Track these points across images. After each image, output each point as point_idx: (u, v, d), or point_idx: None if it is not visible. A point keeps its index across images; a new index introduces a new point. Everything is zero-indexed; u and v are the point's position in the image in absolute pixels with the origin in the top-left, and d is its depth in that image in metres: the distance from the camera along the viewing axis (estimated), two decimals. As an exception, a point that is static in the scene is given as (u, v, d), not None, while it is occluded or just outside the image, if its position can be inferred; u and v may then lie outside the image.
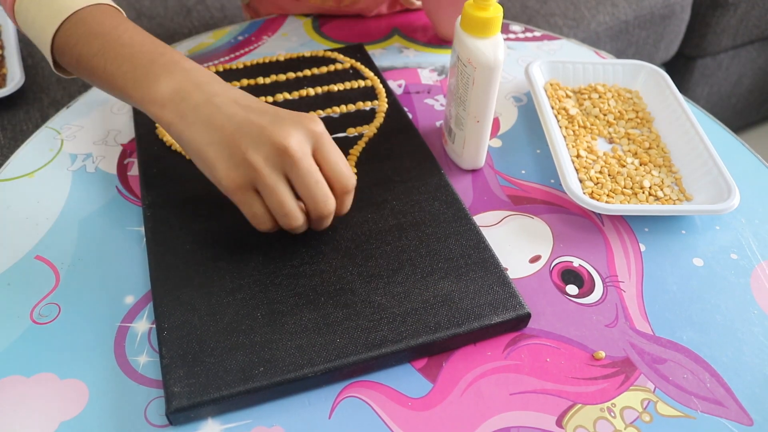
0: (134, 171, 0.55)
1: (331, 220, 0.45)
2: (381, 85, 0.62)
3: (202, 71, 0.44)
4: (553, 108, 0.60)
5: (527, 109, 0.63)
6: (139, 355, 0.42)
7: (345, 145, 0.56)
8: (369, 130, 0.57)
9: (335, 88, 0.62)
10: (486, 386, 0.41)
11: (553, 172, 0.56)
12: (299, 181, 0.41)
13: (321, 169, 0.42)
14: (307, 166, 0.41)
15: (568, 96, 0.61)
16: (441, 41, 0.72)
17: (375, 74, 0.64)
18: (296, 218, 0.42)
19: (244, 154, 0.40)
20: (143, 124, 0.58)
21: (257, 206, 0.42)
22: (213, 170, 0.41)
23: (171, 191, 0.51)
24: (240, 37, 0.73)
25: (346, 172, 0.43)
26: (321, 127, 0.42)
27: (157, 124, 0.57)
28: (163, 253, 0.46)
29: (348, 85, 0.63)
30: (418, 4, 0.76)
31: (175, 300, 0.43)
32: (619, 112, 0.60)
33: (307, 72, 0.64)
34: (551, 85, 0.62)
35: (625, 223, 0.52)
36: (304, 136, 0.41)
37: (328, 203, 0.43)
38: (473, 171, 0.56)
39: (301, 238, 0.47)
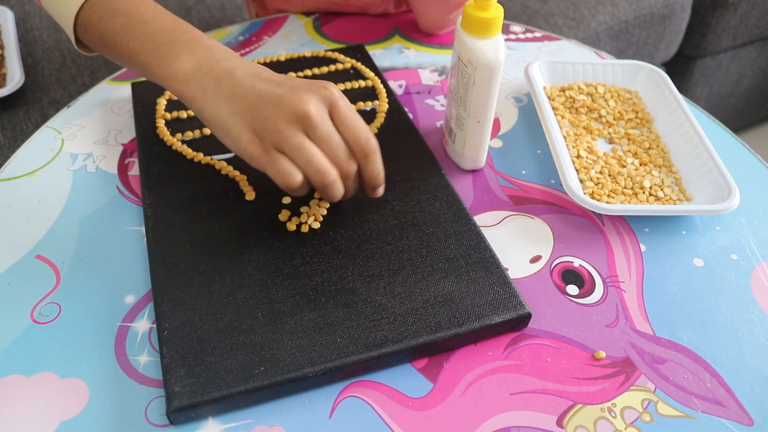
0: (135, 171, 0.55)
1: (357, 185, 0.46)
2: (381, 86, 0.62)
3: (222, 48, 0.46)
4: (554, 110, 0.60)
5: (528, 109, 0.63)
6: (140, 354, 0.42)
7: (345, 145, 0.56)
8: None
9: (336, 88, 0.62)
10: (486, 386, 0.41)
11: (553, 172, 0.56)
12: (321, 143, 0.43)
13: (339, 131, 0.43)
14: (327, 128, 0.42)
15: (569, 98, 0.61)
16: (441, 41, 0.72)
17: (376, 74, 0.64)
18: (329, 172, 0.43)
19: (266, 120, 0.42)
20: (144, 123, 0.58)
21: (284, 162, 0.42)
22: (237, 138, 0.42)
23: (171, 191, 0.51)
24: (240, 38, 0.73)
25: (364, 133, 0.44)
26: (336, 92, 0.44)
27: (157, 124, 0.57)
28: (163, 252, 0.46)
29: (349, 85, 0.63)
30: None
31: (176, 300, 0.43)
32: (618, 112, 0.60)
33: (308, 72, 0.64)
34: (550, 88, 0.63)
35: (625, 223, 0.52)
36: (321, 102, 0.43)
37: (350, 164, 0.44)
38: (474, 171, 0.56)
39: (301, 238, 0.47)
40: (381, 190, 0.47)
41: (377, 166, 0.45)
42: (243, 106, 0.42)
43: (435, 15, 0.70)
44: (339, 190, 0.44)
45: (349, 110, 0.44)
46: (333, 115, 0.43)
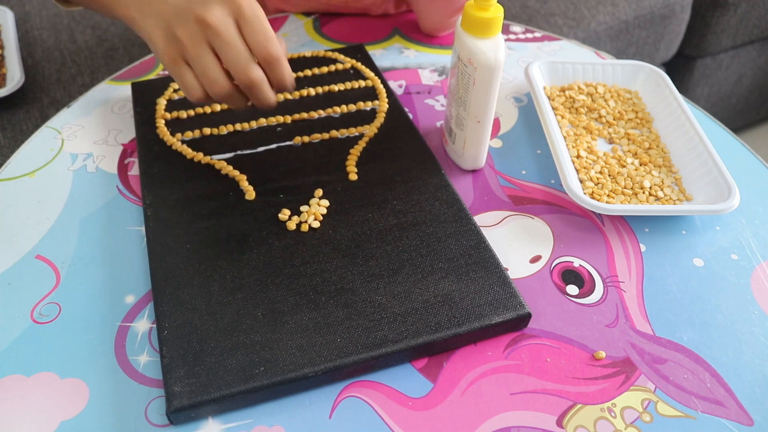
0: (135, 171, 0.55)
1: (269, 94, 0.46)
2: (381, 86, 0.62)
3: None
4: (554, 110, 0.60)
5: (528, 109, 0.63)
6: (140, 354, 0.42)
7: (346, 145, 0.56)
8: (370, 131, 0.57)
9: (336, 88, 0.62)
10: (486, 386, 0.41)
11: (553, 172, 0.56)
12: (221, 51, 0.44)
13: (245, 39, 0.44)
14: (227, 36, 0.43)
15: (569, 98, 0.61)
16: (441, 41, 0.72)
17: (376, 74, 0.64)
18: (220, 84, 0.45)
19: (174, 30, 0.44)
20: (144, 123, 0.58)
21: (188, 76, 0.45)
22: (156, 50, 0.45)
23: (171, 191, 0.51)
24: (240, 37, 0.73)
25: (265, 39, 0.44)
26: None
27: (157, 124, 0.57)
28: (163, 252, 0.46)
29: (349, 85, 0.63)
30: None
31: (176, 299, 0.43)
32: (618, 112, 0.60)
33: (308, 72, 0.64)
34: (550, 88, 0.63)
35: (625, 223, 0.52)
36: (225, 10, 0.44)
37: (248, 70, 0.44)
38: (474, 171, 0.56)
39: (301, 237, 0.47)
40: (263, 93, 0.46)
41: (281, 73, 0.46)
42: (162, 20, 0.45)
43: (436, 17, 0.70)
44: (238, 102, 0.46)
45: (254, 17, 0.44)
46: (239, 20, 0.44)
